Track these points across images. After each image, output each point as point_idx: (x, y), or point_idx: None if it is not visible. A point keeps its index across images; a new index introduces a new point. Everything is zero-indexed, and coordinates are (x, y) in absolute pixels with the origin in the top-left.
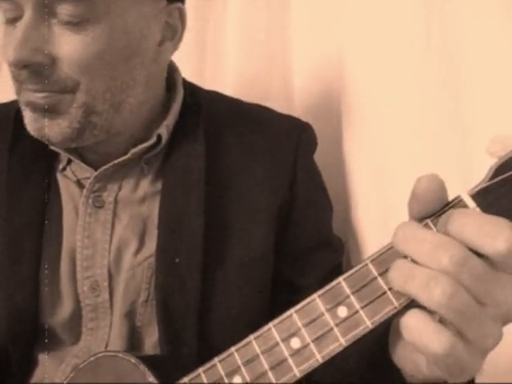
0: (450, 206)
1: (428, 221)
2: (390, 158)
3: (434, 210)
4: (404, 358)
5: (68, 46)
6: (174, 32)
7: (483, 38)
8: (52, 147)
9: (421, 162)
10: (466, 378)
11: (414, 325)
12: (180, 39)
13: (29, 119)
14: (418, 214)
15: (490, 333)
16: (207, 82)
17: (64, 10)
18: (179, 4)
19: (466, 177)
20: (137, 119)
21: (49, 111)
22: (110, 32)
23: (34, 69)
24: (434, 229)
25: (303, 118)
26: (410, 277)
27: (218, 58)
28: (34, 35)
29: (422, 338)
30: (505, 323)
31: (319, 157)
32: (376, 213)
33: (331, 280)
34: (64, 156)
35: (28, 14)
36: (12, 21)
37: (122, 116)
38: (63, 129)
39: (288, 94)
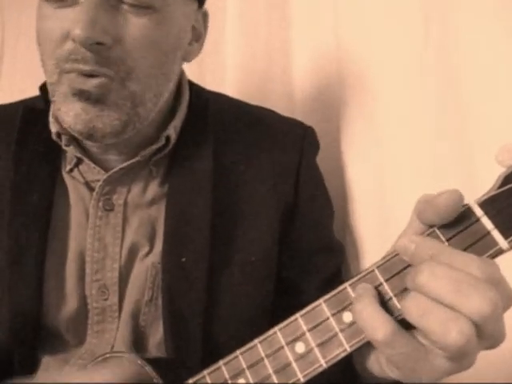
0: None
1: (435, 229)
2: (390, 162)
3: (445, 221)
4: (369, 356)
5: (135, 28)
6: (198, 35)
7: (482, 39)
8: (65, 148)
9: (422, 167)
10: (423, 382)
11: (363, 311)
12: (203, 43)
13: (76, 111)
14: (430, 221)
15: (472, 360)
16: (207, 82)
17: None
18: (204, 9)
19: (467, 181)
20: (154, 117)
21: (100, 100)
22: (167, 21)
23: (97, 48)
24: (442, 237)
25: (303, 120)
26: (428, 312)
27: (217, 58)
28: (103, 15)
29: (367, 324)
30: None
31: (319, 160)
32: (375, 217)
33: (331, 283)
34: (71, 157)
35: None
36: (62, 2)
37: (156, 110)
38: (113, 121)
39: (288, 95)
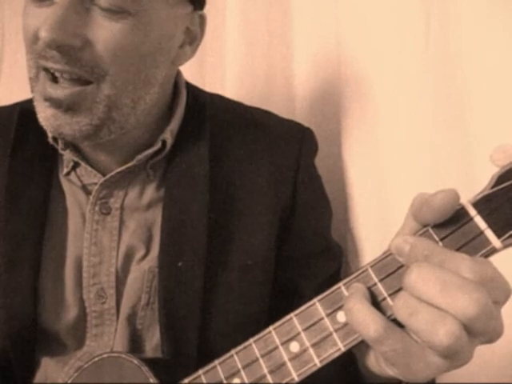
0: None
1: (429, 228)
2: (390, 163)
3: (439, 221)
4: (369, 355)
5: (106, 32)
6: (193, 38)
7: (483, 37)
8: (62, 152)
9: (421, 168)
10: (420, 378)
11: (353, 309)
12: (198, 46)
13: (46, 115)
14: (425, 221)
15: (467, 357)
16: (207, 84)
17: None
18: (201, 12)
19: (466, 182)
20: (146, 121)
21: (71, 108)
22: (144, 26)
23: (66, 50)
24: (436, 236)
25: (303, 120)
26: (416, 312)
27: (218, 59)
28: (73, 17)
29: (358, 321)
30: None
31: (319, 161)
32: (375, 218)
33: (330, 286)
34: (68, 160)
35: None
36: (41, 1)
37: (137, 114)
38: (83, 126)
39: (289, 96)
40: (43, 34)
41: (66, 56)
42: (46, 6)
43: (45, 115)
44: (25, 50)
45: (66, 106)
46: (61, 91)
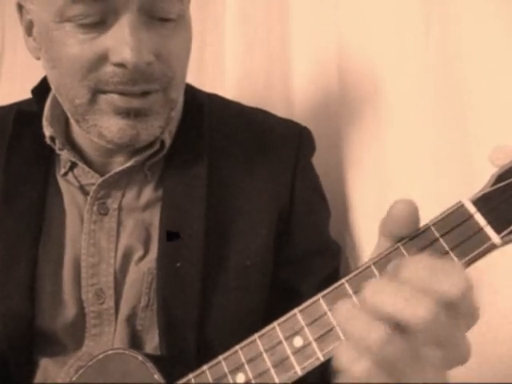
0: (451, 211)
1: (399, 245)
2: (389, 162)
3: (404, 231)
4: None
5: (172, 41)
6: None
7: (483, 38)
8: (59, 152)
9: (421, 168)
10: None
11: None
12: None
13: (120, 127)
14: (389, 232)
15: (461, 344)
16: (207, 84)
17: (164, 7)
18: None
19: (466, 182)
20: None
21: (146, 114)
22: (189, 25)
23: (144, 68)
24: (406, 254)
25: (303, 121)
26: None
27: (217, 59)
28: (145, 35)
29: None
30: (451, 367)
31: (318, 160)
32: (375, 217)
33: (329, 285)
34: (65, 160)
35: (129, 16)
36: (89, 27)
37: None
38: (156, 129)
39: (288, 96)
40: (128, 58)
41: (142, 74)
42: (97, 30)
43: (118, 128)
44: (65, 78)
45: (144, 113)
46: (136, 101)
